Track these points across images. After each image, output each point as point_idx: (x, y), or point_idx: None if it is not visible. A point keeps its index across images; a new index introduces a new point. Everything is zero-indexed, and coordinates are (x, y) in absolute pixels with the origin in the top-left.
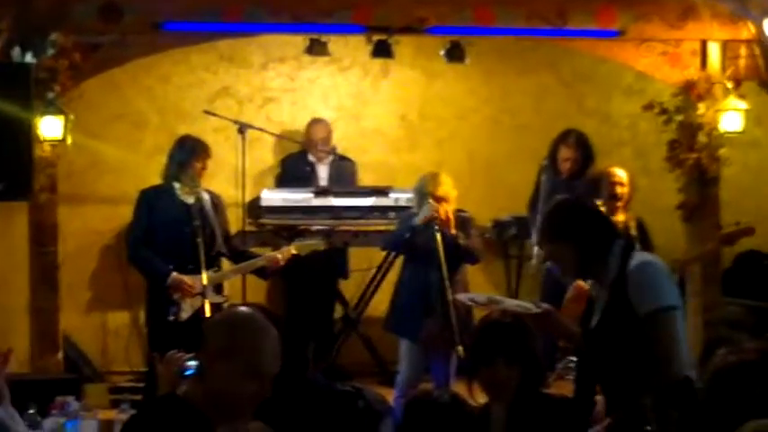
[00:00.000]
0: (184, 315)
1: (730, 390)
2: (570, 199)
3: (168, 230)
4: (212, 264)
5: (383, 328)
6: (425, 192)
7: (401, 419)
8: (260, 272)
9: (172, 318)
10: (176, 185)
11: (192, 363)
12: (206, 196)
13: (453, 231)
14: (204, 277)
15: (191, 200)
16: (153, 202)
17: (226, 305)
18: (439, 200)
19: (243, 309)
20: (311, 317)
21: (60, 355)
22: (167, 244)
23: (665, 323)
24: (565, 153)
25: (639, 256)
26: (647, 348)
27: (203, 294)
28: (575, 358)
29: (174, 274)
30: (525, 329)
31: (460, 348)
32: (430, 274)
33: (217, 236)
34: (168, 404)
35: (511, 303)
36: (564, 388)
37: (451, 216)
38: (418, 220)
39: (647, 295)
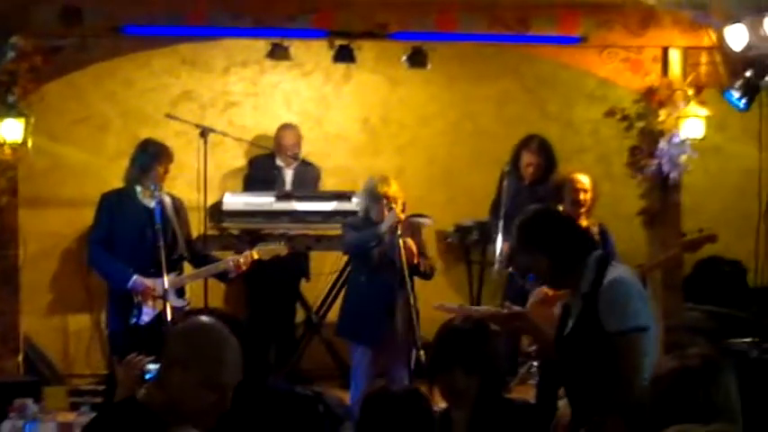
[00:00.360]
0: (146, 318)
1: (670, 395)
2: (547, 209)
3: (129, 234)
4: (174, 268)
5: (336, 334)
6: (378, 193)
7: (359, 415)
8: (221, 276)
9: (133, 321)
10: (138, 189)
11: (152, 366)
12: (167, 200)
13: (416, 260)
14: (165, 281)
15: (152, 204)
16: (114, 206)
17: (187, 308)
18: (391, 200)
19: (205, 319)
20: (273, 321)
21: (20, 357)
22: (129, 247)
23: (631, 344)
24: (527, 158)
25: (614, 272)
26: (611, 365)
27: (164, 298)
28: (536, 363)
29: (136, 276)
30: (485, 336)
31: (423, 353)
32: (388, 277)
33: (178, 239)
34: (127, 408)
35: (483, 310)
36: (526, 393)
37: (412, 245)
38: (384, 227)
39: (616, 314)
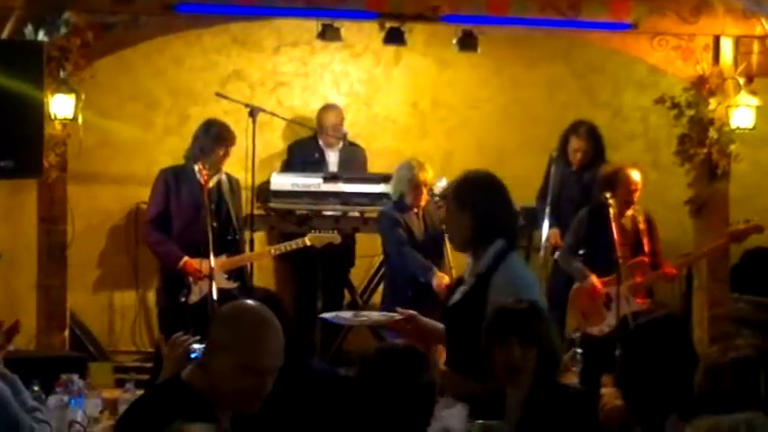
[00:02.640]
0: (194, 298)
1: (732, 385)
2: (493, 178)
3: (185, 213)
4: (228, 248)
5: None
6: (418, 181)
7: (357, 372)
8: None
9: (182, 300)
10: (196, 168)
11: (198, 346)
12: (224, 179)
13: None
14: (212, 260)
15: (210, 184)
16: (171, 184)
17: (236, 290)
18: (428, 186)
19: (248, 302)
20: (320, 303)
21: (67, 333)
22: (183, 226)
23: None
24: (575, 144)
25: (511, 263)
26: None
27: (211, 278)
28: (579, 350)
29: (186, 258)
30: (541, 314)
31: None
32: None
33: (233, 220)
34: (171, 388)
35: (375, 315)
36: (569, 380)
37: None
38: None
39: (504, 298)
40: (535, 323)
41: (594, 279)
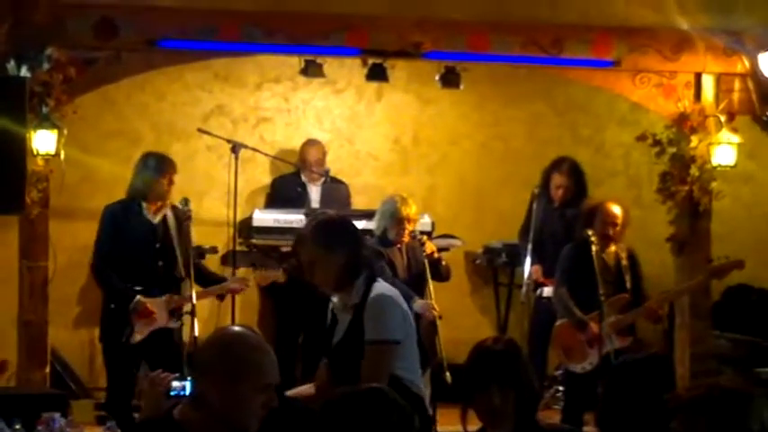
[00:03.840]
0: (138, 337)
1: (707, 421)
2: (345, 218)
3: (133, 250)
4: (172, 286)
5: None
6: (400, 216)
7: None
8: (219, 295)
9: (124, 340)
10: (143, 204)
11: (177, 383)
12: (170, 214)
13: (436, 255)
14: (194, 297)
15: (156, 219)
16: (120, 220)
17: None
18: (411, 221)
19: (234, 328)
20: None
21: (47, 369)
22: (131, 263)
23: (377, 354)
24: (558, 180)
25: (380, 287)
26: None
27: (193, 315)
28: (561, 388)
29: (139, 297)
30: (517, 355)
31: (448, 375)
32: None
33: (178, 258)
34: (165, 427)
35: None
36: (551, 418)
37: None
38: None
39: (374, 324)
40: (512, 365)
41: (593, 326)
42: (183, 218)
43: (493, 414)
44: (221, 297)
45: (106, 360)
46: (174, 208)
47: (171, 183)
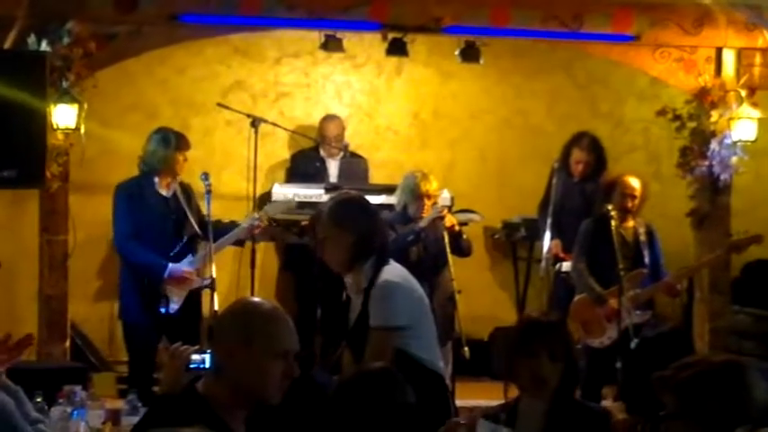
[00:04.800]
0: (175, 306)
1: (692, 396)
2: (364, 199)
3: (152, 225)
4: (190, 250)
5: None
6: (420, 191)
7: (333, 396)
8: (237, 242)
9: (163, 310)
10: (155, 180)
11: (197, 356)
12: (179, 188)
13: (457, 228)
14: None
15: (168, 193)
16: (135, 197)
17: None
18: (432, 197)
19: (249, 298)
20: (320, 313)
21: (68, 343)
22: (150, 237)
23: (378, 340)
24: (577, 155)
25: (388, 272)
26: None
27: (213, 289)
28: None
29: (171, 265)
30: (568, 332)
31: (467, 349)
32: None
33: (193, 224)
34: (189, 401)
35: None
36: None
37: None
38: (424, 223)
39: (378, 311)
40: (564, 338)
41: (612, 301)
42: (189, 191)
43: (538, 382)
44: (240, 243)
45: (127, 336)
46: (181, 184)
47: (185, 160)
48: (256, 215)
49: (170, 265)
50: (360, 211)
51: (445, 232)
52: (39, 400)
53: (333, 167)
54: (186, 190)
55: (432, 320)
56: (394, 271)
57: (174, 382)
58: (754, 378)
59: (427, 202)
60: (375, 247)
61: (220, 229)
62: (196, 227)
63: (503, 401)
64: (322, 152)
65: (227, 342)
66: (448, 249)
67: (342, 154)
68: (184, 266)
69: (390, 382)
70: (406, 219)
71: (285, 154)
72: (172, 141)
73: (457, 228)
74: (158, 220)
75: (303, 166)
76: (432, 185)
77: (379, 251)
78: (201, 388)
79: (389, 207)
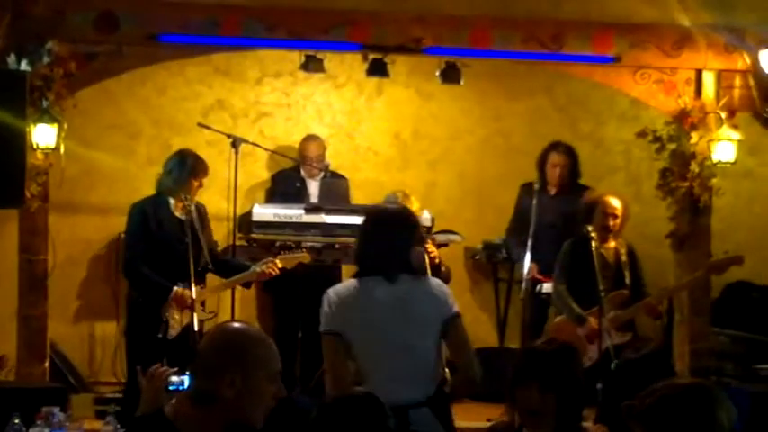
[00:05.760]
0: (173, 333)
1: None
2: (385, 213)
3: (163, 246)
4: (200, 279)
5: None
6: None
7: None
8: (245, 283)
9: (161, 335)
10: (171, 201)
11: (176, 378)
12: (193, 208)
13: (437, 260)
14: (194, 292)
15: (183, 216)
16: (149, 216)
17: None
18: None
19: (232, 324)
20: (301, 333)
21: (47, 363)
22: (160, 258)
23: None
24: (555, 159)
25: (340, 284)
26: None
27: (192, 309)
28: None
29: (177, 288)
30: (566, 361)
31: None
32: None
33: (204, 250)
34: (155, 424)
35: None
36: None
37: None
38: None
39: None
40: (557, 368)
41: (593, 322)
42: (204, 214)
43: (530, 413)
44: (248, 285)
45: (130, 354)
46: (196, 205)
47: (200, 185)
48: (270, 261)
49: (176, 287)
50: (365, 223)
51: (426, 258)
52: (16, 421)
53: (313, 187)
54: (201, 212)
55: (374, 332)
56: (346, 282)
57: (152, 403)
58: (718, 400)
59: None
60: (365, 262)
61: (232, 266)
62: (208, 258)
63: (489, 422)
64: (302, 172)
65: (221, 372)
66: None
67: (322, 174)
68: (191, 293)
69: (371, 406)
70: None
71: (265, 174)
72: (188, 165)
73: (437, 260)
74: (170, 242)
75: (283, 186)
76: (413, 205)
77: (360, 265)
78: (170, 412)
79: None
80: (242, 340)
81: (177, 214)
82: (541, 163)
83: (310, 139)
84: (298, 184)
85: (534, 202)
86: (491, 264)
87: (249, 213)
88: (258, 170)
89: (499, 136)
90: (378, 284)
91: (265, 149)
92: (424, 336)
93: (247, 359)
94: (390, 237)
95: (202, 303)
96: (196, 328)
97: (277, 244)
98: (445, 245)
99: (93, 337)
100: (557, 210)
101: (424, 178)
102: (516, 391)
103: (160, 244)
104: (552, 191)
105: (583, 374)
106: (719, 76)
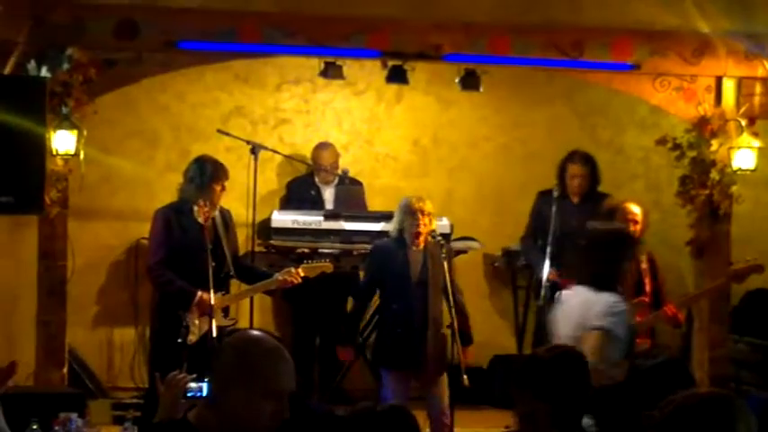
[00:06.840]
0: (193, 338)
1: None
2: None
3: (185, 252)
4: (222, 286)
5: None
6: (414, 208)
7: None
8: (268, 291)
9: (180, 340)
10: (195, 207)
11: (194, 385)
12: (218, 215)
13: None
14: (213, 298)
15: (206, 222)
16: (172, 223)
17: (232, 327)
18: (426, 215)
19: (253, 332)
20: (319, 340)
21: (65, 369)
22: (182, 264)
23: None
24: (573, 170)
25: None
26: None
27: (210, 316)
28: None
29: (200, 292)
30: (564, 370)
31: (466, 378)
32: (417, 301)
33: (227, 257)
34: (180, 429)
35: None
36: None
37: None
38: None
39: None
40: (551, 378)
41: None
42: (228, 220)
43: (524, 420)
44: (271, 292)
45: (153, 359)
46: (221, 210)
47: (223, 189)
48: (292, 270)
49: (200, 292)
50: None
51: (444, 261)
52: (35, 426)
53: (328, 194)
54: (225, 218)
55: None
56: None
57: (170, 410)
58: (738, 411)
59: (421, 218)
60: None
61: (255, 274)
62: (231, 265)
63: (507, 429)
64: (317, 179)
65: (224, 375)
66: (448, 278)
67: (337, 180)
68: (214, 299)
69: (401, 420)
70: (402, 243)
71: (285, 180)
72: (208, 171)
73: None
74: (193, 248)
75: (299, 193)
76: (426, 205)
77: None
78: (193, 417)
79: (387, 234)
80: (249, 348)
81: (200, 221)
82: (561, 173)
83: (323, 146)
84: (313, 192)
85: (554, 208)
86: (510, 271)
87: (268, 220)
88: (278, 176)
89: (518, 143)
90: None
91: (284, 156)
92: None
93: (249, 368)
94: None
95: (226, 310)
96: (214, 335)
97: (297, 250)
98: (464, 251)
99: (111, 342)
100: (579, 215)
101: (443, 185)
102: (513, 396)
103: (183, 250)
104: (575, 199)
105: (587, 382)
106: (740, 83)
